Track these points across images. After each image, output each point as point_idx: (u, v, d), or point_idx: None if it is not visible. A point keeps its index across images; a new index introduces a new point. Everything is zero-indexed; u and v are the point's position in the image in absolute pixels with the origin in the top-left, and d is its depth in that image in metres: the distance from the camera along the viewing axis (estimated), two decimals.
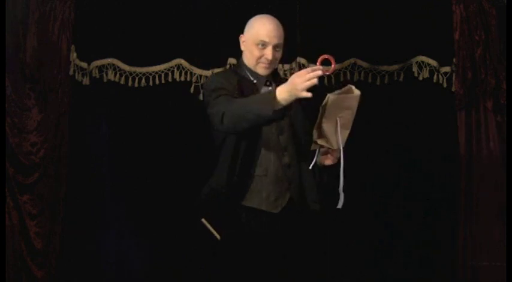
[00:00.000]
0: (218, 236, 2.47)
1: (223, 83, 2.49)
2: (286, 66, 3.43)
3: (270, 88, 2.52)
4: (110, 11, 3.63)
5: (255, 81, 2.55)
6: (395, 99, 3.41)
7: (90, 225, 3.69)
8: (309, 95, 2.13)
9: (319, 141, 2.38)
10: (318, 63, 2.22)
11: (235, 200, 2.46)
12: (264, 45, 2.49)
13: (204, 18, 3.51)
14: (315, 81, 2.12)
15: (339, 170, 2.41)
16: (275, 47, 2.50)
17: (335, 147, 2.38)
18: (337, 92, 2.31)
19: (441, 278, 3.38)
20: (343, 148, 2.37)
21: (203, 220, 2.49)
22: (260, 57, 2.51)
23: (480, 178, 3.37)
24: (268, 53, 2.50)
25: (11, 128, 3.76)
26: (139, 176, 3.63)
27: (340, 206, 2.37)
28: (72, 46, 3.72)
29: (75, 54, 3.71)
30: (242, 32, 2.59)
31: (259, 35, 2.50)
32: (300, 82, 2.13)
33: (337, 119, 2.35)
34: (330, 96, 2.27)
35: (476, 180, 3.38)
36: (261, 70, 2.54)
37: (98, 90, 3.70)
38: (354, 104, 2.35)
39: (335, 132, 2.36)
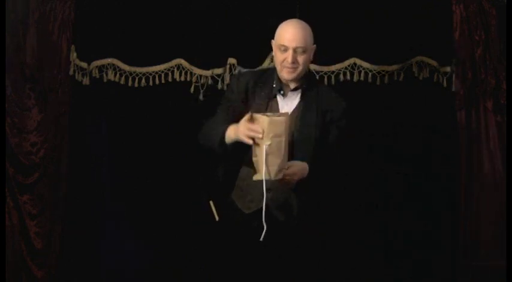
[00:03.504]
0: (217, 218, 2.62)
1: (233, 91, 2.65)
2: None
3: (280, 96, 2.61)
4: (110, 11, 3.62)
5: (274, 85, 2.60)
6: (395, 99, 3.41)
7: (90, 225, 3.69)
8: (250, 142, 2.35)
9: (254, 177, 2.38)
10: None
11: (226, 190, 2.62)
12: (285, 49, 2.53)
13: (204, 18, 3.51)
14: (249, 141, 2.35)
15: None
16: (296, 50, 2.52)
17: (261, 177, 2.34)
18: (269, 113, 2.36)
19: (441, 278, 3.38)
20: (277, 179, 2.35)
21: (211, 202, 2.64)
22: (283, 61, 2.54)
23: (480, 178, 3.37)
24: (288, 56, 2.52)
25: (11, 128, 3.77)
26: (139, 176, 3.63)
27: (261, 238, 2.42)
28: (72, 46, 3.71)
29: (75, 54, 3.71)
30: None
31: (280, 39, 2.55)
32: (242, 130, 2.36)
33: (265, 146, 2.31)
34: (254, 116, 2.34)
35: (477, 180, 3.38)
36: (285, 74, 2.56)
37: (98, 90, 3.69)
38: (281, 130, 2.31)
39: (263, 160, 2.32)
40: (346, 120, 2.63)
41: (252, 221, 2.52)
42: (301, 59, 2.54)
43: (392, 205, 3.42)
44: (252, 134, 2.33)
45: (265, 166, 2.31)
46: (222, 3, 3.50)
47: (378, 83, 3.40)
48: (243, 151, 2.51)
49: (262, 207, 2.45)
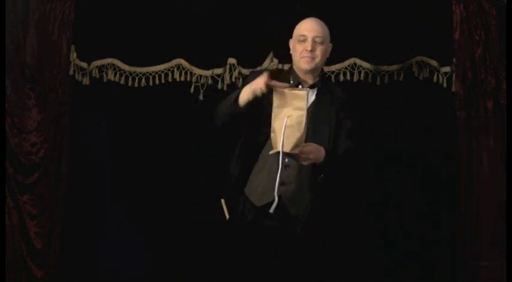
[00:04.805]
0: (227, 216, 2.65)
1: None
2: (287, 66, 3.43)
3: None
4: (110, 11, 3.63)
5: (291, 82, 2.65)
6: (395, 99, 3.41)
7: (90, 225, 3.69)
8: (263, 88, 2.40)
9: (271, 151, 2.39)
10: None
11: (238, 185, 2.65)
12: (304, 39, 2.63)
13: (204, 18, 3.51)
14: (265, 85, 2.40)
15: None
16: (314, 40, 2.62)
17: (278, 149, 2.35)
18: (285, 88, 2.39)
19: (441, 278, 3.38)
20: (293, 152, 2.36)
21: (222, 200, 2.68)
22: (301, 52, 2.63)
23: (480, 178, 3.37)
24: (308, 44, 2.62)
25: (11, 128, 3.77)
26: (140, 176, 3.63)
27: (272, 210, 2.46)
28: (72, 46, 3.72)
29: (75, 54, 3.71)
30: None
31: (299, 31, 2.68)
32: (259, 81, 2.43)
33: (286, 118, 2.34)
34: (277, 89, 2.38)
35: (476, 180, 3.37)
36: (303, 64, 2.64)
37: (98, 90, 3.70)
38: (302, 104, 2.34)
39: (281, 132, 2.34)
40: (357, 113, 2.73)
41: (262, 217, 2.56)
42: (319, 49, 2.64)
43: (392, 205, 3.41)
44: (263, 83, 2.39)
45: (283, 138, 2.32)
46: (222, 3, 3.50)
47: (378, 83, 3.40)
48: (257, 150, 2.58)
49: (273, 200, 2.50)
